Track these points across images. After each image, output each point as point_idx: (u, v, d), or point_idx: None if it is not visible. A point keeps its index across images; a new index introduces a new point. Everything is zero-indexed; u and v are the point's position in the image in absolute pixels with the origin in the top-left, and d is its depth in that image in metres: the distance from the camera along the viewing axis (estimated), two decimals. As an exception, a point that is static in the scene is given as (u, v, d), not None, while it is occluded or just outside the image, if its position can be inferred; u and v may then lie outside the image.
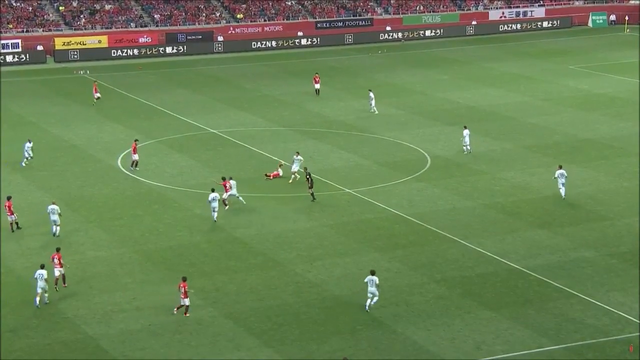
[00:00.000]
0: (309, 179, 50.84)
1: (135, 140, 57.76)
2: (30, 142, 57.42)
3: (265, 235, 46.43)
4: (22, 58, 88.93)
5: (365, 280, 38.01)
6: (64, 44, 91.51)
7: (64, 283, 40.33)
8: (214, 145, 62.89)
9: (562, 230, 46.79)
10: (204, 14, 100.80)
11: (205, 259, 43.73)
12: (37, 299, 38.38)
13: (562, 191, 50.80)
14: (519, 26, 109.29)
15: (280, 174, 54.75)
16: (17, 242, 45.09)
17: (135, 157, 56.01)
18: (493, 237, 45.81)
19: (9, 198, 46.79)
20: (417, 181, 54.76)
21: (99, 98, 72.99)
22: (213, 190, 47.89)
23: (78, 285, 40.49)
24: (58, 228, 45.90)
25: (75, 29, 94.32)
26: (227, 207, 49.50)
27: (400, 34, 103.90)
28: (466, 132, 59.56)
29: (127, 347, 35.38)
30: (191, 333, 36.43)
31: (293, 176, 54.07)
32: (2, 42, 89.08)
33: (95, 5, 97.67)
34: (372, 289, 37.59)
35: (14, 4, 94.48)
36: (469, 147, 59.34)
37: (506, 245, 44.92)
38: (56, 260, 40.01)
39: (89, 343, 35.61)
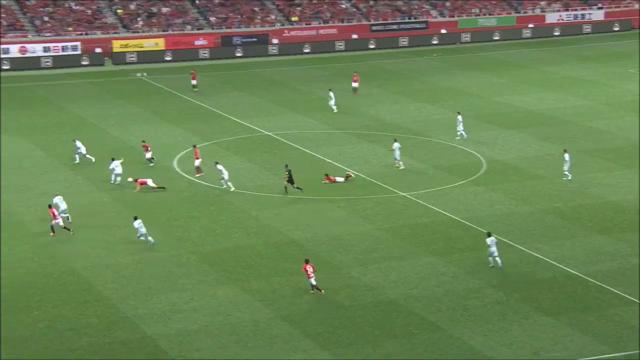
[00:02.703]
0: (289, 175, 51.72)
1: (195, 146, 58.19)
2: (76, 141, 58.35)
3: (321, 237, 46.59)
4: (83, 60, 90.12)
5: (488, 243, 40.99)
6: (121, 47, 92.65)
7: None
8: (269, 147, 63.23)
9: (622, 236, 46.28)
10: (259, 17, 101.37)
11: (262, 260, 44.01)
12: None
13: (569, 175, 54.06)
14: (576, 29, 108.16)
15: (338, 180, 54.65)
16: (76, 243, 45.75)
17: (198, 161, 56.39)
18: (551, 243, 45.46)
19: (50, 206, 47.18)
20: (473, 185, 54.55)
21: (195, 86, 76.19)
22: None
23: (137, 285, 41.02)
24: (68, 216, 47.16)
25: (133, 32, 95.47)
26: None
27: (454, 37, 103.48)
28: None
29: (184, 347, 35.75)
30: (247, 334, 36.70)
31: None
32: (62, 44, 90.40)
33: (152, 8, 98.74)
34: (492, 249, 41.00)
35: (74, 7, 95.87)
36: (463, 133, 62.44)
37: (565, 250, 44.55)
38: None
39: (148, 343, 36.06)
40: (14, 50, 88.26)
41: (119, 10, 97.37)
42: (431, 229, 47.49)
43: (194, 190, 53.88)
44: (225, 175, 52.98)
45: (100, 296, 39.84)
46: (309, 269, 39.99)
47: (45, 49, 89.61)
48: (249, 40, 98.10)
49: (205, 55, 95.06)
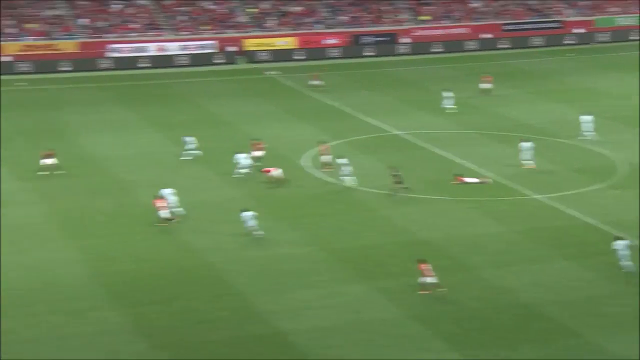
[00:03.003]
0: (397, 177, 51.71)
1: (321, 142, 58.36)
2: (190, 138, 59.18)
3: (452, 238, 46.04)
4: (217, 59, 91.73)
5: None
6: (254, 45, 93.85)
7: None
8: (399, 147, 62.92)
9: None
10: (389, 16, 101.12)
11: (392, 259, 43.75)
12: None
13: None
14: None
15: (468, 181, 53.91)
16: (211, 237, 46.47)
17: (326, 158, 56.56)
18: (694, 249, 43.68)
19: (156, 196, 48.16)
20: (611, 189, 52.97)
21: (317, 86, 76.90)
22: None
23: (269, 281, 41.36)
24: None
25: (265, 31, 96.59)
26: None
27: (589, 37, 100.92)
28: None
29: (315, 343, 35.82)
30: (378, 333, 36.51)
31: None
32: (198, 43, 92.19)
33: (285, 8, 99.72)
34: (623, 252, 40.12)
35: (210, 7, 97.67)
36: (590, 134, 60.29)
37: None
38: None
39: (279, 338, 36.28)
40: (152, 49, 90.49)
41: (252, 10, 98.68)
42: (566, 233, 46.32)
43: (325, 188, 54.04)
44: (347, 170, 52.50)
45: (233, 290, 40.34)
46: (426, 267, 39.66)
47: (182, 48, 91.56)
48: (378, 39, 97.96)
49: (335, 54, 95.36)
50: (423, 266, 39.58)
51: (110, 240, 45.70)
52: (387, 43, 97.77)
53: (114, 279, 41.18)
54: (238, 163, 54.99)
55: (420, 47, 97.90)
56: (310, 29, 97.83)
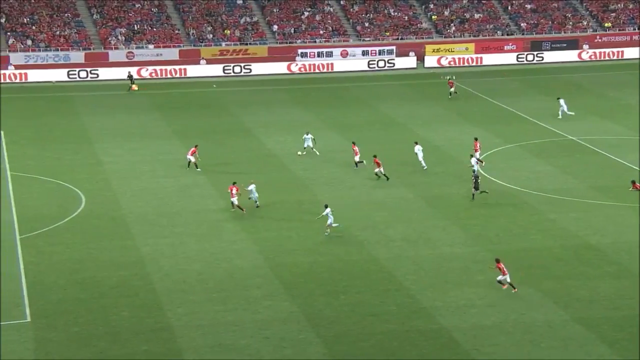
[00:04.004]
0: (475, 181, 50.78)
1: (475, 139, 57.99)
2: (309, 134, 59.83)
3: (621, 244, 44.30)
4: (397, 64, 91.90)
5: None
6: (433, 51, 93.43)
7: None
8: (572, 152, 61.09)
9: None
10: (570, 23, 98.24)
11: (558, 263, 42.57)
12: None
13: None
14: None
15: None
16: (380, 234, 46.59)
17: (477, 155, 56.25)
18: None
19: (234, 183, 49.30)
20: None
21: (454, 93, 75.86)
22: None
23: (434, 278, 41.12)
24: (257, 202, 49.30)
25: (445, 37, 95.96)
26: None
27: None
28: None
29: (478, 341, 35.33)
30: (541, 334, 35.63)
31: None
32: (379, 48, 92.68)
33: (465, 15, 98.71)
34: None
35: (392, 14, 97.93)
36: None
37: None
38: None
39: (443, 334, 36.01)
40: (336, 54, 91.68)
41: (434, 17, 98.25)
42: None
43: (494, 190, 53.08)
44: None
45: (400, 286, 40.34)
46: (503, 267, 39.36)
47: (364, 53, 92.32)
48: (558, 45, 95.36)
49: (513, 59, 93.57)
50: (500, 265, 39.39)
51: (286, 233, 46.60)
52: (567, 49, 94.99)
53: (289, 271, 41.99)
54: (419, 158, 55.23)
55: (602, 53, 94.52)
56: (490, 36, 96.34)
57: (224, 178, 55.39)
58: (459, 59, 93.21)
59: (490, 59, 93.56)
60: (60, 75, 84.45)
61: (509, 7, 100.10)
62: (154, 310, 37.82)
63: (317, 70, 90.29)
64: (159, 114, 72.56)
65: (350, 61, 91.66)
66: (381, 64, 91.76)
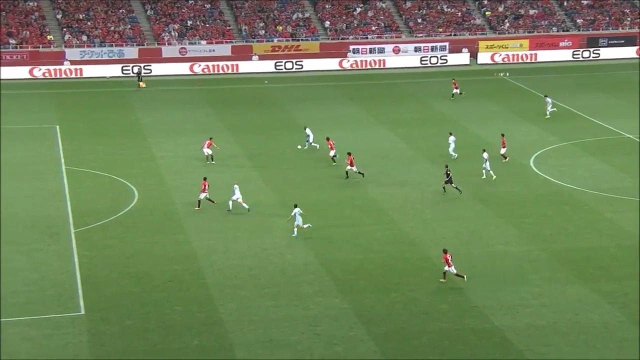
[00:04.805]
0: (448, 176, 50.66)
1: (502, 135, 57.82)
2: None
3: (679, 245, 43.49)
4: (450, 60, 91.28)
5: None
6: (487, 47, 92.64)
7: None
8: (629, 150, 60.15)
9: None
10: (628, 19, 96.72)
11: (614, 263, 41.95)
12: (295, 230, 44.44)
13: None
14: None
15: None
16: (434, 232, 46.32)
17: (503, 151, 56.60)
18: None
19: (204, 178, 49.22)
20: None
21: (457, 94, 74.57)
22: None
23: (487, 277, 40.75)
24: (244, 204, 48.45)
25: (498, 33, 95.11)
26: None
27: None
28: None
29: (532, 341, 34.95)
30: (596, 335, 35.15)
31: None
32: (432, 44, 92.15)
33: (520, 10, 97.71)
34: None
35: (446, 10, 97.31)
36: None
37: None
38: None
39: (496, 333, 35.68)
40: (388, 50, 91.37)
41: (487, 13, 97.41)
42: None
43: (548, 189, 52.55)
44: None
45: (452, 284, 40.03)
46: (449, 258, 39.34)
47: (416, 49, 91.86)
48: (615, 41, 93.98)
49: (569, 56, 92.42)
50: (446, 256, 39.47)
51: (338, 230, 46.51)
52: (625, 45, 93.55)
53: (340, 267, 41.92)
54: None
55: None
56: (545, 32, 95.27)
57: (275, 174, 55.54)
58: (513, 55, 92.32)
59: (545, 55, 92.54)
60: (114, 70, 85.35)
61: (565, 3, 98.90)
62: (205, 305, 38.03)
63: (368, 67, 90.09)
64: (211, 110, 72.98)
65: (403, 57, 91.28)
66: (434, 60, 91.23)
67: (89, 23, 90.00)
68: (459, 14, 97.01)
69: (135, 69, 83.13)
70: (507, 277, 40.61)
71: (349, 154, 54.15)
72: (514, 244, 44.45)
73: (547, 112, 68.96)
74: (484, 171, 53.99)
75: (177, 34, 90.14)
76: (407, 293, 39.27)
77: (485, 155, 54.20)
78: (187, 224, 47.05)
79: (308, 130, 61.07)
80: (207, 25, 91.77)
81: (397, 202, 50.38)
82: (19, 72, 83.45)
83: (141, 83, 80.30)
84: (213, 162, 57.18)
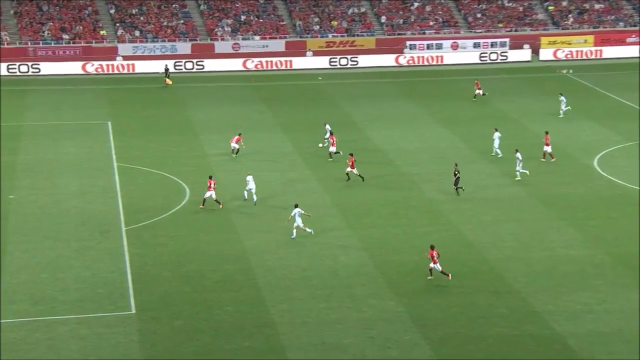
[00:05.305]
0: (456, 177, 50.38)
1: (546, 132, 57.31)
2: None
3: None
4: (510, 56, 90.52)
5: None
6: (549, 43, 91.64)
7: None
8: (699, 151, 59.07)
9: None
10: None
11: (683, 269, 41.20)
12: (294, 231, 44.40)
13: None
14: None
15: None
16: (491, 234, 45.97)
17: (549, 149, 56.13)
18: None
19: (210, 177, 49.63)
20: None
21: (480, 95, 73.40)
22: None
23: (548, 281, 40.33)
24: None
25: (562, 28, 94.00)
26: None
27: None
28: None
29: (595, 348, 34.51)
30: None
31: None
32: (492, 40, 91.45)
33: (584, 5, 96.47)
34: None
35: (506, 4, 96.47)
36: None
37: None
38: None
39: (557, 340, 35.29)
40: (446, 46, 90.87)
41: (550, 7, 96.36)
42: None
43: (613, 191, 51.81)
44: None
45: (510, 288, 39.71)
46: (435, 255, 39.38)
47: (476, 45, 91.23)
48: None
49: (635, 52, 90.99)
50: (432, 252, 39.56)
51: (393, 231, 46.40)
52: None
53: (394, 269, 41.78)
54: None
55: None
56: (611, 27, 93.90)
57: (329, 173, 55.53)
58: (577, 51, 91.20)
59: (611, 51, 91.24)
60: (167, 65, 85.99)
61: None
62: (257, 306, 38.20)
63: (425, 63, 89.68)
64: (264, 106, 73.26)
65: (461, 54, 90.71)
66: (493, 56, 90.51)
67: (141, 18, 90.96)
68: (521, 8, 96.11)
69: (164, 66, 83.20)
70: (569, 282, 40.13)
71: (351, 155, 53.69)
72: (576, 248, 43.90)
73: (561, 112, 67.95)
74: (518, 172, 53.37)
75: (230, 29, 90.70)
76: (464, 296, 39.02)
77: (518, 155, 53.67)
78: (238, 223, 47.30)
79: (328, 127, 60.80)
80: (261, 20, 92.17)
81: (454, 203, 50.07)
82: (72, 68, 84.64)
83: (168, 80, 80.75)
84: (235, 156, 57.98)
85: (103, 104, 73.91)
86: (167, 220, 48.05)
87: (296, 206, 45.16)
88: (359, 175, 53.23)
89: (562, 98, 68.74)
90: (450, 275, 40.01)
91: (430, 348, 34.84)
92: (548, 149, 56.90)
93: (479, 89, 74.16)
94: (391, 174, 55.59)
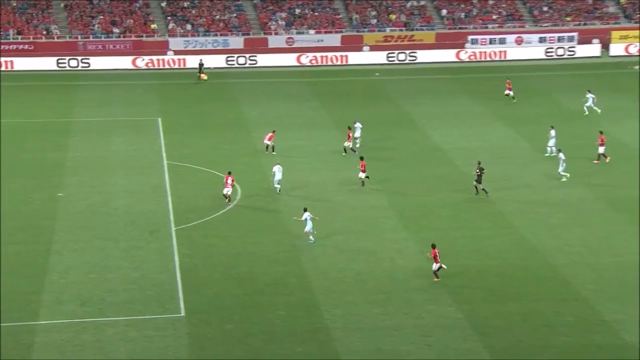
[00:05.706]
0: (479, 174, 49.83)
1: (601, 132, 56.88)
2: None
3: None
4: (579, 51, 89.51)
5: None
6: (620, 38, 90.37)
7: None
8: None
9: None
10: None
11: None
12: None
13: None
14: None
15: None
16: (557, 239, 45.41)
17: (602, 150, 55.51)
18: None
19: (229, 173, 49.77)
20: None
21: (509, 95, 72.16)
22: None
23: (617, 289, 39.79)
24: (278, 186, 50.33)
25: (634, 22, 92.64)
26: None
27: None
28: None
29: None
30: None
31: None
32: (558, 34, 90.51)
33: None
34: None
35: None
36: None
37: None
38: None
39: (628, 350, 34.81)
40: (510, 41, 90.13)
41: (622, 0, 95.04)
42: None
43: (688, 194, 50.89)
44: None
45: (578, 295, 39.20)
46: (436, 254, 39.60)
47: (541, 40, 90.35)
48: None
49: None
50: (434, 251, 39.70)
51: (453, 233, 46.07)
52: None
53: (455, 274, 41.43)
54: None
55: None
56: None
57: (386, 173, 55.33)
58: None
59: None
60: (218, 61, 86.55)
61: None
62: (310, 310, 38.18)
63: (488, 59, 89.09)
64: (319, 103, 73.29)
65: (526, 49, 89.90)
66: (560, 52, 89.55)
67: (193, 11, 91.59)
68: (590, 1, 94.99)
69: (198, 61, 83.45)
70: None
71: (362, 158, 53.20)
72: (650, 253, 43.25)
73: (585, 108, 67.22)
74: (561, 174, 52.86)
75: (284, 23, 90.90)
76: (528, 304, 38.60)
77: (561, 155, 52.98)
78: (291, 224, 47.31)
79: (358, 124, 60.47)
80: (316, 13, 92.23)
81: (517, 206, 49.57)
82: (122, 62, 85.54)
83: (202, 75, 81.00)
84: (274, 153, 58.11)
85: (153, 100, 74.55)
86: (217, 220, 48.27)
87: (305, 210, 45.01)
88: (363, 179, 52.39)
89: (590, 95, 67.65)
90: (439, 277, 40.35)
91: (490, 357, 34.53)
92: (602, 149, 56.05)
93: (510, 89, 72.91)
94: (451, 174, 55.23)
